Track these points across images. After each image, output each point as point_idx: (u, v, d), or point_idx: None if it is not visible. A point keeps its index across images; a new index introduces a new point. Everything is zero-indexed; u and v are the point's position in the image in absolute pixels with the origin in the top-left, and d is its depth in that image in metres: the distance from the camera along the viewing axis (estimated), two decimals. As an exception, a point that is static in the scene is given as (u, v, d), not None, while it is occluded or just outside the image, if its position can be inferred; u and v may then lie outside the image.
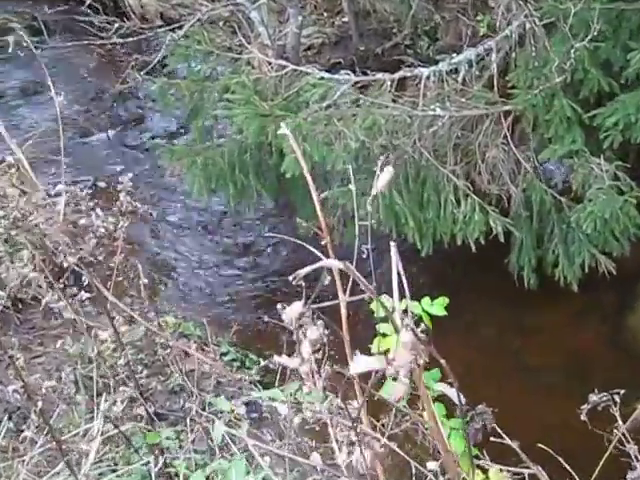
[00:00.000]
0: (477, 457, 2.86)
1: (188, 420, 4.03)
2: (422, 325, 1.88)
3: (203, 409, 4.10)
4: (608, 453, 2.55)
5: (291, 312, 1.79)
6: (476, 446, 2.87)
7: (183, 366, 4.84)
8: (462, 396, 2.12)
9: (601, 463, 2.60)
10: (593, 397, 2.71)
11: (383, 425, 3.07)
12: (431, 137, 5.74)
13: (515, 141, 5.87)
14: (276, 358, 1.93)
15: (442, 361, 1.86)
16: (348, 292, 2.11)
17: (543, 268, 5.81)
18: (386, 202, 5.52)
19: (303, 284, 1.80)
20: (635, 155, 5.85)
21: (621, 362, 5.52)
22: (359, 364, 1.75)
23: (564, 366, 5.65)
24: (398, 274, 2.00)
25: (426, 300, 3.15)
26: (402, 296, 2.02)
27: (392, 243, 2.06)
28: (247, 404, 4.58)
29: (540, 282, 5.80)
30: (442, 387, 2.13)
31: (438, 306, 3.16)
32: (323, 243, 2.19)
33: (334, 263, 1.83)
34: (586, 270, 5.62)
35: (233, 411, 3.68)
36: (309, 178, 2.38)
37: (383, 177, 2.05)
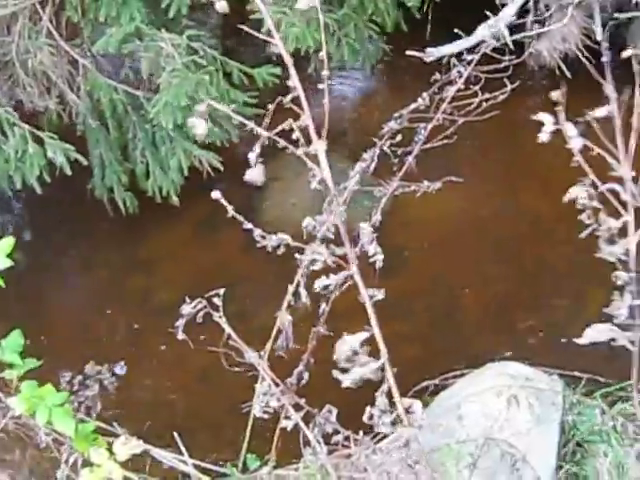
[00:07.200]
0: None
1: None
2: None
3: None
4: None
5: None
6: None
7: None
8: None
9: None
10: (186, 308, 2.42)
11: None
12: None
13: (64, 36, 4.59)
14: None
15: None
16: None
17: (138, 185, 4.65)
18: None
19: None
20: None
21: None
22: None
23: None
24: None
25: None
26: None
27: None
28: None
29: (141, 203, 4.65)
30: None
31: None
32: None
33: None
34: (186, 173, 4.52)
35: None
36: None
37: None
